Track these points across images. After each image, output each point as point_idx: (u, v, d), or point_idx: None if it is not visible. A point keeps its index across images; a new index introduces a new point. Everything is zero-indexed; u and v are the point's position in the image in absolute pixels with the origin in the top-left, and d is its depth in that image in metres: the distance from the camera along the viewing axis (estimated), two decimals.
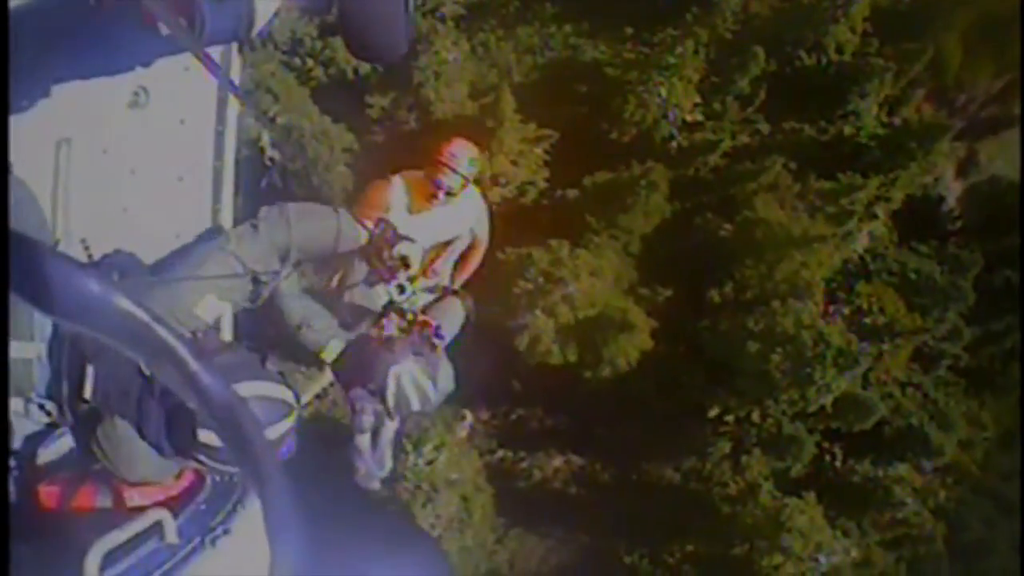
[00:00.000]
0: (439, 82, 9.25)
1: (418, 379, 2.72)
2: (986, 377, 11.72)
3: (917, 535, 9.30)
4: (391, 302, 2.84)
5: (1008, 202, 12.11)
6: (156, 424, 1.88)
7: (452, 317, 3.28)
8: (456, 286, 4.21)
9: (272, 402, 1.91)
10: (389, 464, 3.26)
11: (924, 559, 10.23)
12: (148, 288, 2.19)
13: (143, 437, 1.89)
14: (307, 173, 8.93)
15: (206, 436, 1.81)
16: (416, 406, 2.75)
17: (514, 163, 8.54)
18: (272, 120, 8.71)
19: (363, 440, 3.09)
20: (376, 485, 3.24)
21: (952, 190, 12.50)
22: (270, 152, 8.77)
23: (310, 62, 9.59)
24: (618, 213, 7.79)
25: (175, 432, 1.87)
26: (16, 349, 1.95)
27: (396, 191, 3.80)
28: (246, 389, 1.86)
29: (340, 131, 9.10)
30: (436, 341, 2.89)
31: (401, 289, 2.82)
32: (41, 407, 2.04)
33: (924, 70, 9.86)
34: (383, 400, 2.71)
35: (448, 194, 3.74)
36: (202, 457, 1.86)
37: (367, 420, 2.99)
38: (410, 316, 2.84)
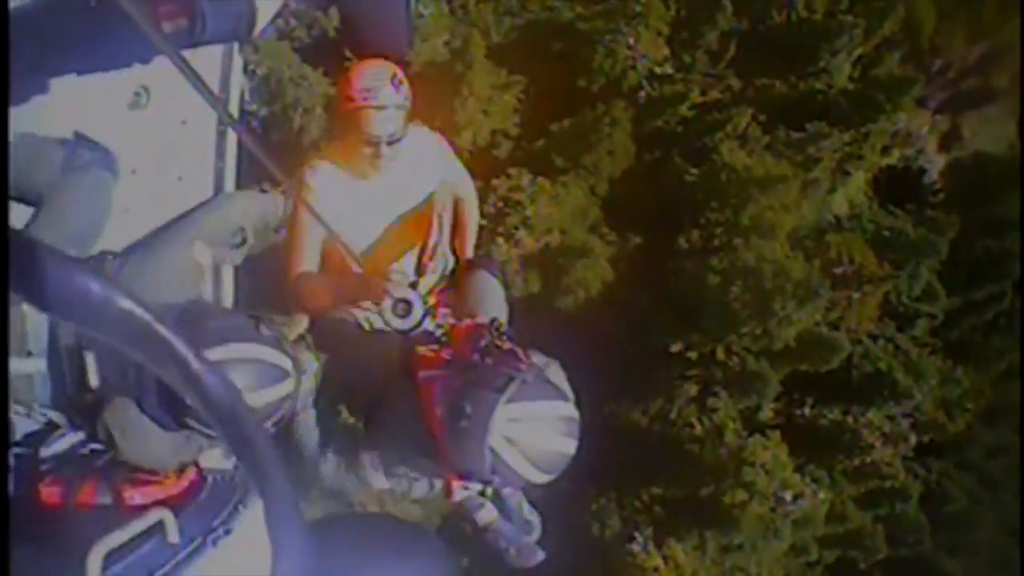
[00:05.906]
0: (415, 36, 9.46)
1: (524, 440, 1.92)
2: (967, 348, 11.70)
3: (891, 488, 9.24)
4: (411, 328, 2.13)
5: (991, 176, 12.17)
6: (153, 394, 1.87)
7: (493, 298, 2.53)
8: (470, 255, 3.21)
9: (264, 365, 1.88)
10: (535, 520, 2.60)
11: (902, 521, 10.15)
12: (148, 250, 2.19)
13: (143, 411, 1.89)
14: (286, 117, 9.11)
15: None
16: (535, 476, 1.95)
17: (484, 112, 8.73)
18: (253, 73, 8.94)
19: (487, 514, 2.41)
20: (540, 556, 2.50)
21: (935, 163, 12.56)
22: (248, 100, 8.96)
23: (293, 22, 9.81)
24: (583, 152, 7.92)
25: (173, 400, 1.85)
26: (15, 365, 1.93)
27: (322, 174, 2.75)
28: (236, 351, 1.83)
29: (319, 77, 9.30)
30: (505, 343, 2.07)
31: (407, 306, 2.14)
32: (44, 416, 2.05)
33: (898, 31, 10.00)
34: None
35: (391, 143, 2.56)
36: (193, 423, 1.86)
37: (475, 500, 2.41)
38: (444, 327, 2.12)
